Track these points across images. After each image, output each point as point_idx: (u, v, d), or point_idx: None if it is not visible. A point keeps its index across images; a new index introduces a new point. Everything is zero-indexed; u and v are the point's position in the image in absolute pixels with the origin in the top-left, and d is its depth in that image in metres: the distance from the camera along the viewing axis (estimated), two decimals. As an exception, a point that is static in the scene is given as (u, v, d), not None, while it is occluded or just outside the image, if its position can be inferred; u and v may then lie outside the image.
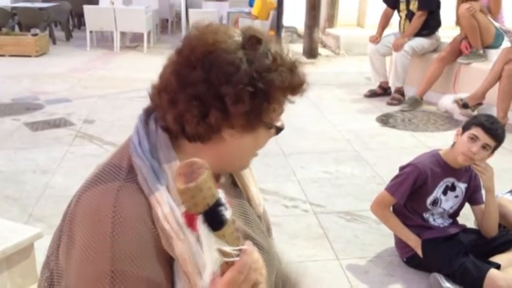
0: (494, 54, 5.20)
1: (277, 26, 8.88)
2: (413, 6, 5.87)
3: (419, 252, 2.64)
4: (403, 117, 5.44)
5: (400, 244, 2.78)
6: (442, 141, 4.36)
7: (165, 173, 0.99)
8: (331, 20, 9.48)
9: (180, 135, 1.02)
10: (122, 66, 8.21)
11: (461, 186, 2.66)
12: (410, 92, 5.88)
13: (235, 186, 1.19)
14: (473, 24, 5.26)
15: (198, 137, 1.01)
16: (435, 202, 2.64)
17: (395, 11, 6.17)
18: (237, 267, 0.86)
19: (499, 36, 5.28)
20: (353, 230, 3.20)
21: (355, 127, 5.15)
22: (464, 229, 2.74)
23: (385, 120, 5.36)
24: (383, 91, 6.18)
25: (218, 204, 0.85)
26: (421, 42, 5.89)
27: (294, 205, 3.53)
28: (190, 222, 0.87)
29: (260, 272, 0.93)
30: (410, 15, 5.92)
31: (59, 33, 10.62)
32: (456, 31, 5.74)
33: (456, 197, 2.67)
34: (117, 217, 0.94)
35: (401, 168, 2.70)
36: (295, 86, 1.04)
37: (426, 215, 2.68)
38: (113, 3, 10.08)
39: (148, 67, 8.12)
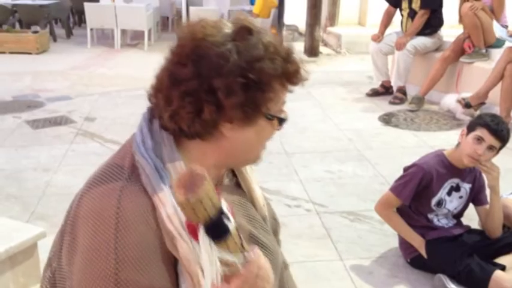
0: (497, 54, 5.18)
1: (278, 24, 8.88)
2: (416, 4, 5.84)
3: (423, 253, 2.63)
4: (405, 116, 5.42)
5: (404, 245, 2.77)
6: (445, 140, 4.36)
7: (168, 172, 0.98)
8: (332, 19, 9.46)
9: (179, 134, 1.01)
10: (123, 64, 8.19)
11: (466, 187, 2.65)
12: (412, 91, 5.87)
13: (239, 187, 1.18)
14: (476, 23, 5.24)
15: (196, 134, 1.01)
16: (440, 203, 2.63)
17: (398, 10, 6.15)
18: (243, 276, 0.85)
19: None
20: (356, 230, 3.19)
21: (357, 126, 5.13)
22: (469, 230, 2.73)
23: (387, 119, 5.34)
24: (385, 90, 6.16)
25: (220, 215, 0.84)
26: (423, 41, 5.87)
27: (296, 205, 3.51)
28: (193, 231, 0.87)
29: (267, 280, 0.93)
30: (412, 14, 5.89)
31: (60, 31, 10.60)
32: (459, 30, 5.72)
33: (461, 197, 2.66)
34: (121, 218, 0.93)
35: (406, 169, 2.68)
36: (290, 73, 1.02)
37: (431, 216, 2.67)
38: (113, 1, 10.07)
39: (149, 65, 8.03)
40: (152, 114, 1.05)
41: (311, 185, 3.81)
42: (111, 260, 0.91)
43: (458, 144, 2.59)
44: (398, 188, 2.64)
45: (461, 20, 5.49)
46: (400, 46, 5.82)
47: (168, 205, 0.95)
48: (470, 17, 5.23)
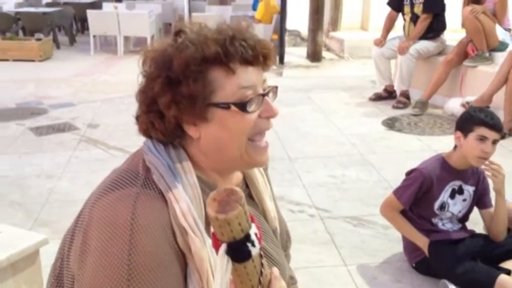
0: (500, 57, 5.17)
1: (281, 29, 8.87)
2: (418, 9, 5.85)
3: (427, 253, 2.61)
4: (409, 120, 5.41)
5: (409, 249, 2.75)
6: (449, 144, 4.28)
7: (178, 172, 1.00)
8: (334, 24, 9.48)
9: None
10: (126, 71, 8.19)
11: (469, 189, 2.64)
12: (415, 95, 5.85)
13: (251, 199, 1.18)
14: (477, 27, 5.24)
15: (166, 142, 1.03)
16: (443, 206, 2.62)
17: (400, 14, 6.15)
18: None
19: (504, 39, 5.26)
20: (360, 235, 3.17)
21: (360, 131, 5.12)
22: (473, 234, 2.71)
23: (390, 123, 5.33)
24: (388, 94, 6.15)
25: (246, 240, 0.84)
26: (426, 45, 5.87)
27: (300, 210, 3.50)
28: (216, 244, 0.87)
29: None
30: (414, 18, 5.89)
31: (63, 38, 10.65)
32: (462, 34, 5.71)
33: (464, 200, 2.64)
34: (136, 224, 0.92)
35: (408, 173, 2.68)
36: (210, 56, 0.97)
37: (435, 220, 2.66)
38: (116, 8, 10.10)
39: (152, 71, 8.15)
40: None
41: (314, 190, 3.79)
42: (124, 267, 0.90)
43: (456, 147, 2.58)
44: (399, 191, 2.64)
45: (463, 24, 5.49)
46: (402, 50, 5.82)
47: (182, 201, 0.96)
48: (471, 21, 5.22)
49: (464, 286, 2.48)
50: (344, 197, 3.69)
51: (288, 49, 8.97)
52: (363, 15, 9.58)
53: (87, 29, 10.25)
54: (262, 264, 0.89)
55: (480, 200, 2.67)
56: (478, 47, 5.38)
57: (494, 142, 2.47)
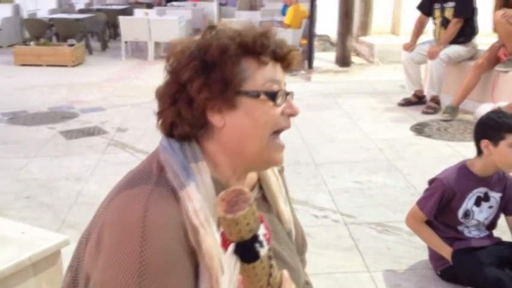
0: (533, 62, 5.05)
1: (310, 34, 8.86)
2: (449, 13, 5.76)
3: (452, 262, 2.56)
4: (438, 126, 5.32)
5: (435, 256, 2.70)
6: (479, 151, 4.24)
7: (193, 171, 1.00)
8: (364, 28, 9.41)
9: (185, 139, 1.05)
10: (156, 76, 8.09)
11: (496, 196, 2.58)
12: (446, 100, 5.76)
13: (266, 200, 1.18)
14: (509, 31, 5.13)
15: (192, 136, 1.04)
16: (467, 214, 2.56)
17: (430, 18, 6.06)
18: None
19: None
20: (385, 241, 3.13)
21: (388, 136, 5.06)
22: (499, 242, 2.65)
23: (419, 129, 5.25)
24: (418, 100, 6.06)
25: (254, 240, 0.85)
26: (457, 49, 5.77)
27: (324, 215, 3.47)
28: (224, 243, 0.87)
29: None
30: (445, 23, 5.80)
31: (95, 44, 10.86)
32: (494, 38, 5.60)
33: (490, 207, 2.58)
34: (148, 221, 0.93)
35: (430, 182, 2.65)
36: (248, 44, 1.01)
37: (461, 228, 2.61)
38: (147, 14, 10.26)
39: (181, 76, 8.23)
40: None
41: (339, 195, 3.76)
42: (136, 264, 0.91)
43: (481, 154, 2.51)
44: (422, 202, 2.61)
45: (495, 28, 5.38)
46: (433, 55, 5.73)
47: (195, 200, 0.97)
48: (503, 25, 5.12)
49: (491, 295, 2.42)
50: (369, 203, 3.64)
51: (317, 54, 8.95)
52: (394, 19, 9.47)
53: (119, 34, 10.42)
54: (271, 266, 0.89)
55: (507, 206, 2.60)
56: (510, 51, 5.26)
57: None
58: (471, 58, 5.84)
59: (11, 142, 5.03)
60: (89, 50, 10.22)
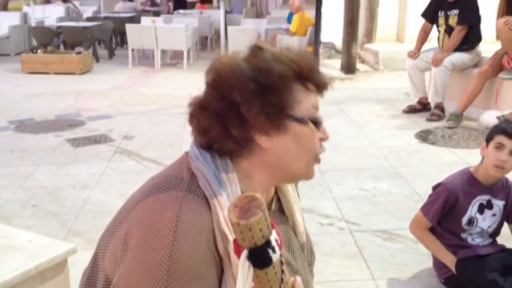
0: (537, 69, 5.05)
1: (315, 42, 8.89)
2: (453, 20, 5.77)
3: (455, 271, 2.57)
4: (443, 133, 5.33)
5: (439, 264, 2.71)
6: (483, 158, 4.25)
7: (224, 181, 1.02)
8: (369, 35, 9.41)
9: (223, 155, 1.05)
10: (163, 83, 8.37)
11: (499, 204, 2.58)
12: (450, 107, 5.76)
13: (282, 212, 1.19)
14: (511, 38, 5.13)
15: (232, 152, 1.04)
16: (471, 222, 2.57)
17: (434, 26, 6.08)
18: None
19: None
20: (389, 249, 3.14)
21: (393, 143, 5.07)
22: (503, 249, 2.65)
23: (424, 136, 5.26)
24: (422, 107, 6.08)
25: (266, 245, 0.86)
26: (461, 57, 5.78)
27: (329, 223, 3.49)
28: (237, 250, 0.88)
29: None
30: (449, 30, 5.82)
31: (102, 52, 10.92)
32: (499, 46, 5.60)
33: (494, 215, 2.59)
34: (180, 227, 0.94)
35: (434, 188, 2.66)
36: (303, 72, 1.05)
37: (464, 235, 2.61)
38: (154, 22, 10.32)
39: (188, 84, 8.28)
40: None
41: (344, 203, 3.77)
42: (164, 269, 0.92)
43: (482, 159, 2.54)
44: (426, 207, 2.62)
45: (498, 36, 5.39)
46: (437, 62, 5.74)
47: (226, 209, 0.96)
48: (506, 32, 5.14)
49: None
50: (374, 210, 3.66)
51: (323, 61, 8.97)
52: (399, 26, 9.48)
53: (126, 42, 10.49)
54: (283, 271, 0.90)
55: (510, 214, 2.61)
56: (513, 58, 5.28)
57: None
58: (475, 65, 5.85)
59: (17, 150, 5.07)
60: (96, 58, 10.29)
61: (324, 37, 9.29)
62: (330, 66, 8.88)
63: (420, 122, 5.72)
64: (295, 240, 1.19)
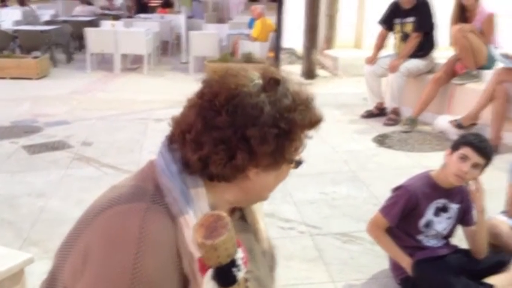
0: (488, 75, 5.23)
1: (276, 47, 8.97)
2: (408, 28, 5.93)
3: (411, 273, 2.63)
4: (399, 137, 5.46)
5: (395, 266, 2.77)
6: (438, 161, 4.29)
7: (191, 197, 1.01)
8: (329, 42, 9.56)
9: (203, 174, 1.04)
10: (123, 88, 8.27)
11: (454, 207, 2.66)
12: (406, 112, 5.91)
13: (245, 220, 1.21)
14: (465, 45, 5.31)
15: (223, 177, 1.04)
16: (428, 224, 2.64)
17: (391, 33, 6.23)
18: None
19: (492, 58, 5.32)
20: (349, 251, 3.20)
21: (352, 148, 5.17)
22: (456, 250, 2.74)
23: (381, 140, 5.38)
24: (379, 112, 6.21)
25: (231, 265, 0.87)
26: (416, 63, 5.94)
27: (290, 227, 3.53)
28: (202, 269, 0.89)
29: None
30: (405, 37, 5.98)
31: (60, 56, 10.70)
32: (452, 52, 5.79)
33: (449, 218, 2.67)
34: (143, 238, 0.93)
35: (394, 190, 2.71)
36: (314, 122, 1.09)
37: (420, 237, 2.68)
38: (114, 26, 10.19)
39: (149, 89, 8.24)
40: (171, 141, 1.08)
41: (305, 206, 3.82)
42: (127, 281, 0.91)
43: (444, 165, 2.62)
44: (385, 209, 2.67)
45: (452, 43, 5.56)
46: (393, 68, 5.89)
47: (192, 227, 0.97)
48: (460, 39, 5.30)
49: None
50: (334, 214, 3.72)
51: (284, 67, 9.05)
52: (357, 33, 9.66)
53: (85, 46, 10.32)
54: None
55: (464, 217, 2.69)
56: (466, 65, 5.45)
57: (476, 166, 2.49)
58: (430, 71, 6.01)
59: (-28, 157, 4.92)
60: (54, 62, 10.08)
61: (285, 43, 9.38)
62: (290, 72, 8.96)
63: (378, 127, 5.85)
64: (256, 246, 1.20)
